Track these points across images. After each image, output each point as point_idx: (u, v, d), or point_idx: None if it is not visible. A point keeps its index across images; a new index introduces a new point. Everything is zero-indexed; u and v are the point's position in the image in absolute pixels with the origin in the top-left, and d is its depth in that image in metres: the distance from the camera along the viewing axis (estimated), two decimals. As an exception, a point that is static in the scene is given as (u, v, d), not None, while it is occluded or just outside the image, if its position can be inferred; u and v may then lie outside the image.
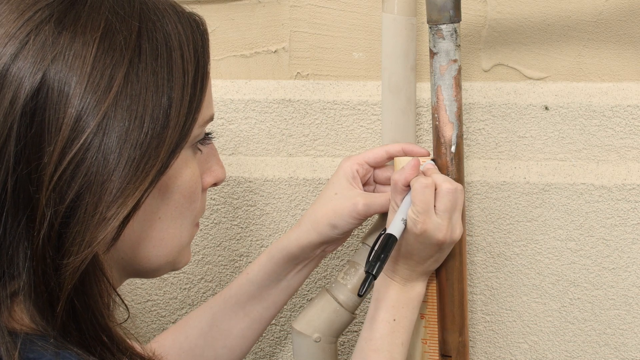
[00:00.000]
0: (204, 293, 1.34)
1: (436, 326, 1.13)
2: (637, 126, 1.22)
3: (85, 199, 0.76)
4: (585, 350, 1.27)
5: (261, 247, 1.32)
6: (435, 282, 1.11)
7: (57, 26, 0.77)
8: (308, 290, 1.32)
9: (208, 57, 0.85)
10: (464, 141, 1.18)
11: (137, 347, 0.84)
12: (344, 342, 1.33)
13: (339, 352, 1.30)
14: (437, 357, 1.14)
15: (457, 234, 1.04)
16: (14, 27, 0.77)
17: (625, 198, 1.21)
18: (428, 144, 1.25)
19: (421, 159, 1.08)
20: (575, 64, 1.24)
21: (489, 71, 1.26)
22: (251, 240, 1.32)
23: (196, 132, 0.84)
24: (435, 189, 1.02)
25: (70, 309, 0.77)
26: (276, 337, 1.35)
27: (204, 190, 0.90)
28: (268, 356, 1.36)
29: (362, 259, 1.16)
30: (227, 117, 1.30)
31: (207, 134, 0.89)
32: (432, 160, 1.09)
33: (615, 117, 1.22)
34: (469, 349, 1.13)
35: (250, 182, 1.30)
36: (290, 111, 1.29)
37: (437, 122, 1.08)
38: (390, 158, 1.13)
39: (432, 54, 1.07)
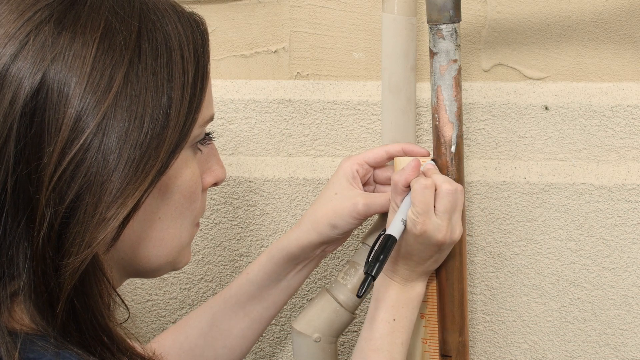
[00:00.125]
0: (204, 293, 1.34)
1: (436, 326, 1.13)
2: (637, 126, 1.22)
3: (85, 199, 0.76)
4: (585, 350, 1.27)
5: (261, 247, 1.32)
6: (435, 282, 1.11)
7: (56, 26, 0.77)
8: (308, 290, 1.32)
9: (208, 57, 0.85)
10: (464, 141, 1.18)
11: (137, 347, 0.84)
12: (344, 342, 1.33)
13: (339, 352, 1.30)
14: (437, 357, 1.14)
15: (457, 234, 1.04)
16: (14, 27, 0.77)
17: (625, 198, 1.21)
18: (428, 144, 1.25)
19: (421, 159, 1.08)
20: (575, 64, 1.24)
21: (489, 71, 1.26)
22: (251, 240, 1.32)
23: (196, 132, 0.84)
24: (436, 190, 1.02)
25: (70, 309, 0.77)
26: (276, 337, 1.35)
27: (204, 190, 0.90)
28: (268, 356, 1.36)
29: (362, 259, 1.16)
30: (227, 117, 1.30)
31: (207, 134, 0.89)
32: (433, 160, 1.09)
33: (615, 117, 1.22)
34: (469, 349, 1.13)
35: (250, 182, 1.30)
36: (290, 111, 1.29)
37: (437, 122, 1.08)
38: (390, 158, 1.13)
39: (432, 54, 1.07)
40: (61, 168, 0.75)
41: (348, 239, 1.20)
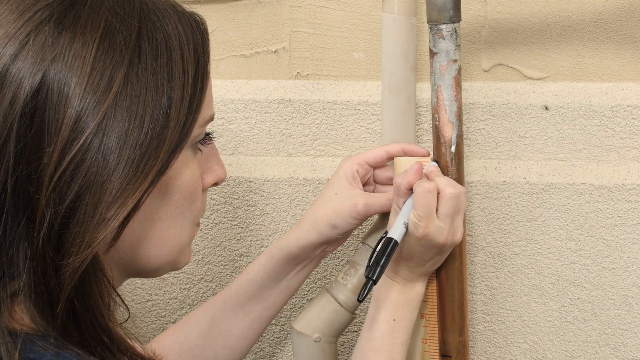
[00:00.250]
0: (204, 293, 1.34)
1: (436, 326, 1.13)
2: (637, 126, 1.22)
3: (85, 199, 0.76)
4: (585, 350, 1.27)
5: (261, 247, 1.32)
6: (435, 282, 1.11)
7: (57, 26, 0.77)
8: (308, 290, 1.32)
9: (208, 57, 0.85)
10: (464, 141, 1.18)
11: (138, 347, 0.84)
12: (344, 342, 1.33)
13: (339, 352, 1.30)
14: (437, 357, 1.14)
15: (459, 236, 1.04)
16: (14, 27, 0.77)
17: (625, 198, 1.21)
18: (428, 144, 1.25)
19: (422, 160, 1.08)
20: (575, 64, 1.24)
21: (489, 71, 1.26)
22: (251, 240, 1.32)
23: (196, 132, 0.84)
24: (438, 193, 1.02)
25: (71, 309, 0.77)
26: (276, 337, 1.35)
27: (204, 190, 0.90)
28: (268, 356, 1.36)
29: (362, 259, 1.16)
30: (227, 117, 1.30)
31: (208, 134, 0.89)
32: (435, 161, 1.08)
33: (615, 117, 1.22)
34: (469, 349, 1.13)
35: (250, 182, 1.30)
36: (290, 111, 1.29)
37: (437, 122, 1.08)
38: (390, 158, 1.13)
39: (432, 54, 1.07)
40: (61, 168, 0.75)
41: (348, 239, 1.20)
